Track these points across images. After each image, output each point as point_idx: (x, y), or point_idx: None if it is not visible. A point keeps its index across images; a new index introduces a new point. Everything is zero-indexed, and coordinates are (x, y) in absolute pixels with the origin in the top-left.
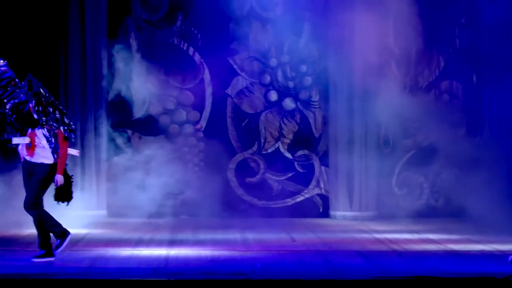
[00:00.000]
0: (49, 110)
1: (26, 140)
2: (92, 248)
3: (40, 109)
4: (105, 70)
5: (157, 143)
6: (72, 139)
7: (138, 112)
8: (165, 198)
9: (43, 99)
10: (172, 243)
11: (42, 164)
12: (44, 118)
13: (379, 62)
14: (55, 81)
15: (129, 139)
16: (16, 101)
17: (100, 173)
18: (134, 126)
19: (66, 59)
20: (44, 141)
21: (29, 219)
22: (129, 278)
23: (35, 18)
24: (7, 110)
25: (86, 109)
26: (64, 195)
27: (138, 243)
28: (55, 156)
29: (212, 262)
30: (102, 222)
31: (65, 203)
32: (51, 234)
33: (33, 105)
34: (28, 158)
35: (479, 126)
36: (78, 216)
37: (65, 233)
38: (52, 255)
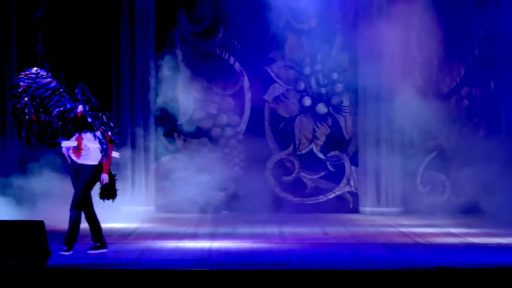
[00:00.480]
0: (100, 115)
1: (74, 143)
2: (141, 241)
3: (94, 114)
4: (152, 79)
5: (201, 145)
6: (117, 142)
7: (184, 117)
8: (208, 195)
9: (94, 105)
10: (214, 236)
11: (88, 165)
12: (97, 122)
13: (404, 71)
14: (108, 87)
15: (175, 142)
16: (61, 109)
17: (148, 173)
18: (180, 129)
19: (118, 69)
20: (91, 144)
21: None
22: (175, 269)
23: (90, 30)
24: (53, 118)
25: (135, 114)
26: (109, 193)
27: (183, 236)
28: (104, 157)
29: (251, 254)
30: (151, 217)
31: (110, 200)
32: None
33: (87, 109)
34: (75, 159)
35: (497, 129)
36: (129, 212)
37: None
38: (105, 247)
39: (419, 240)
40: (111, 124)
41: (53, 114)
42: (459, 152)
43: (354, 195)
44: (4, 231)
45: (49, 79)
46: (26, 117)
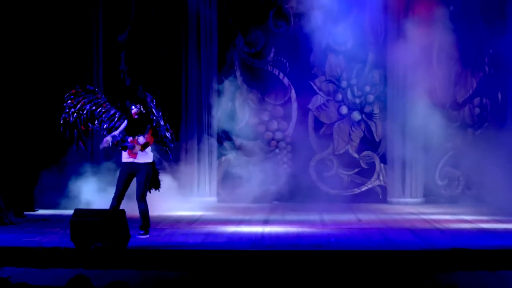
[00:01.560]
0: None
1: (138, 148)
2: (205, 226)
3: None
4: (215, 91)
5: (255, 146)
6: (170, 138)
7: (241, 123)
8: (262, 188)
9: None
10: (266, 222)
11: (145, 163)
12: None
13: (425, 84)
14: (178, 97)
15: (234, 143)
16: (110, 122)
17: (212, 169)
18: (238, 133)
19: (186, 83)
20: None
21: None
22: (233, 249)
23: (163, 51)
24: (102, 127)
25: (201, 119)
26: (154, 183)
27: (240, 222)
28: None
29: (297, 237)
30: (213, 206)
31: (156, 190)
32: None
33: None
34: (132, 160)
35: (503, 132)
36: (195, 202)
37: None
38: (148, 234)
39: (438, 225)
40: (161, 122)
41: (103, 126)
42: (472, 152)
43: (383, 188)
44: (92, 218)
45: (98, 95)
46: (74, 128)
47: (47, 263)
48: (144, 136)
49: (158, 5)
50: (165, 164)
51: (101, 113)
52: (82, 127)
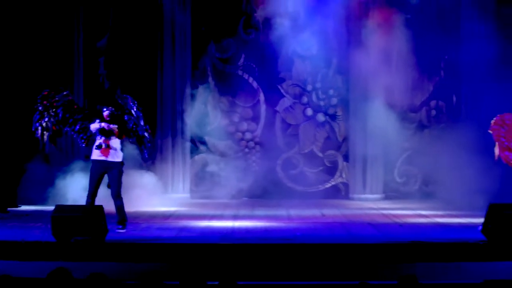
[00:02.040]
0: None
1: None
2: (179, 221)
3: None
4: (188, 95)
5: (226, 146)
6: (148, 138)
7: (213, 124)
8: (232, 185)
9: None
10: (236, 217)
11: (117, 162)
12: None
13: (385, 87)
14: (153, 98)
15: (206, 143)
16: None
17: (185, 167)
18: (210, 133)
19: (161, 85)
20: (116, 145)
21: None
22: (205, 242)
23: (140, 57)
24: (75, 130)
25: (175, 120)
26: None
27: (212, 217)
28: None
29: (266, 231)
30: (187, 203)
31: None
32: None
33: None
34: (104, 158)
35: (457, 132)
36: (169, 198)
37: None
38: (125, 228)
39: (396, 220)
40: (141, 123)
41: (76, 128)
42: (428, 151)
43: (346, 185)
44: (72, 214)
45: (67, 97)
46: (45, 132)
47: (29, 256)
48: (115, 137)
49: (135, 13)
50: (142, 162)
51: (72, 113)
52: (54, 128)
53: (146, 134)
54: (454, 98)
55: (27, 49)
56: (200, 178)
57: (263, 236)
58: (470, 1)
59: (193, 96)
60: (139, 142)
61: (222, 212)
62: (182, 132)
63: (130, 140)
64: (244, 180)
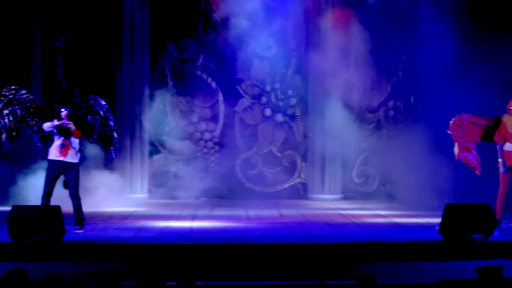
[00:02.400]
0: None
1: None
2: (137, 221)
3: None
4: (147, 95)
5: (185, 146)
6: (116, 139)
7: (171, 124)
8: (191, 185)
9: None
10: (194, 217)
11: (74, 163)
12: (96, 122)
13: (344, 88)
14: (112, 97)
15: (164, 143)
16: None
17: (143, 168)
18: (168, 133)
19: (120, 84)
20: (75, 145)
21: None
22: (163, 243)
23: (99, 56)
24: (33, 129)
25: (134, 121)
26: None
27: (170, 217)
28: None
29: (224, 231)
30: (145, 203)
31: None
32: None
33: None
34: (62, 158)
35: (415, 133)
36: (128, 198)
37: (83, 223)
38: (83, 228)
39: (354, 220)
40: (111, 123)
41: (35, 128)
42: (386, 151)
43: (304, 185)
44: (29, 214)
45: (26, 96)
46: (3, 130)
47: None
48: (75, 137)
49: (94, 13)
50: (100, 162)
51: (30, 112)
52: (12, 126)
53: (115, 135)
54: (412, 99)
55: None
56: (159, 179)
57: (222, 236)
58: (428, 1)
59: (151, 96)
60: (107, 142)
61: (180, 213)
62: (141, 132)
63: (90, 140)
64: (203, 180)
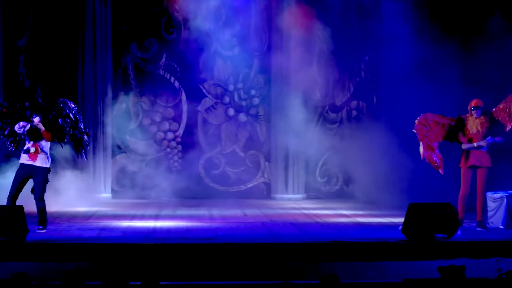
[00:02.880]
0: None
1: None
2: (100, 220)
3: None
4: (110, 93)
5: (148, 145)
6: (87, 141)
7: (134, 123)
8: (153, 185)
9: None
10: (158, 217)
11: (43, 167)
12: (66, 125)
13: (307, 88)
14: (74, 98)
15: (127, 143)
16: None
17: (106, 167)
18: (131, 133)
19: (82, 82)
20: (46, 149)
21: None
22: (126, 242)
23: (60, 54)
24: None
25: (96, 121)
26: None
27: (133, 217)
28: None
29: (187, 231)
30: (108, 202)
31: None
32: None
33: (63, 115)
34: (31, 162)
35: (378, 133)
36: (90, 198)
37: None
38: (46, 228)
39: (318, 219)
40: (80, 125)
41: (5, 132)
42: (349, 151)
43: (268, 185)
44: None
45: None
46: None
47: None
48: (45, 140)
49: (55, 12)
50: (65, 163)
51: (1, 118)
52: None
53: (85, 137)
54: (375, 99)
55: None
56: (122, 178)
57: (185, 236)
58: (390, 3)
59: (114, 96)
60: (78, 145)
61: (144, 212)
62: (103, 132)
63: (61, 144)
64: (166, 180)
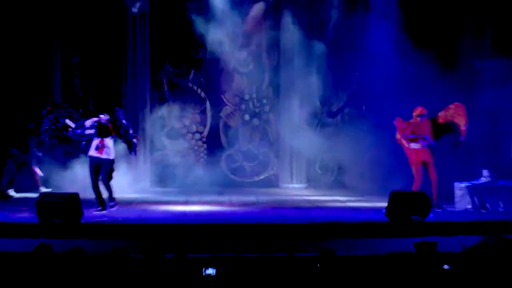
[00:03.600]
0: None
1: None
2: (141, 205)
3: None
4: (148, 102)
5: (179, 144)
6: (134, 141)
7: (168, 127)
8: (183, 176)
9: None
10: (187, 202)
11: (108, 159)
12: (122, 128)
13: (309, 98)
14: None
15: (163, 142)
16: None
17: (146, 161)
18: (166, 134)
19: (125, 97)
20: (110, 144)
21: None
22: (161, 223)
23: (108, 71)
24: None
25: (138, 124)
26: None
27: (168, 202)
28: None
29: (211, 214)
30: (147, 191)
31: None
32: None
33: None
34: (98, 155)
35: (365, 135)
36: (132, 186)
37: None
38: (105, 209)
39: (317, 204)
40: (130, 131)
41: (76, 132)
42: (343, 149)
43: (276, 176)
44: (53, 200)
45: (68, 109)
46: (52, 134)
47: (18, 234)
48: (110, 137)
49: (103, 35)
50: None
51: (73, 122)
52: (58, 133)
53: (134, 140)
54: (364, 107)
55: (20, 64)
56: (159, 171)
57: (209, 218)
58: (377, 25)
59: (152, 104)
60: (129, 145)
61: (176, 198)
62: (144, 135)
63: (121, 140)
64: (194, 172)
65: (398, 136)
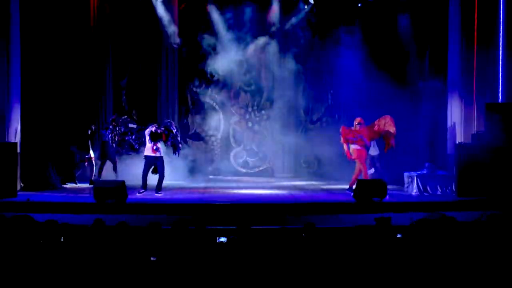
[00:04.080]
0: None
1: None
2: (168, 190)
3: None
4: (176, 114)
5: (199, 144)
6: (179, 146)
7: (191, 131)
8: (201, 168)
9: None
10: (206, 188)
11: (161, 157)
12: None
13: (296, 110)
14: (155, 117)
15: (188, 143)
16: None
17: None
18: (190, 137)
19: (160, 108)
20: (161, 146)
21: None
22: (185, 203)
23: (149, 91)
24: (132, 137)
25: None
26: (155, 170)
27: (191, 189)
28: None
29: (220, 197)
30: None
31: (155, 174)
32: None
33: (162, 131)
34: (154, 154)
35: (338, 138)
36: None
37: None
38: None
39: (302, 188)
40: (178, 138)
41: (133, 137)
42: (321, 148)
43: (272, 169)
44: (106, 185)
45: (128, 119)
46: (111, 136)
47: (80, 211)
48: (161, 141)
49: (143, 62)
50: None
51: (130, 129)
52: (119, 138)
53: (180, 145)
54: (337, 117)
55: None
56: (184, 164)
57: (220, 200)
58: (346, 55)
59: (179, 115)
60: (174, 147)
61: (197, 185)
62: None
63: (168, 144)
64: (209, 165)
65: (342, 140)
